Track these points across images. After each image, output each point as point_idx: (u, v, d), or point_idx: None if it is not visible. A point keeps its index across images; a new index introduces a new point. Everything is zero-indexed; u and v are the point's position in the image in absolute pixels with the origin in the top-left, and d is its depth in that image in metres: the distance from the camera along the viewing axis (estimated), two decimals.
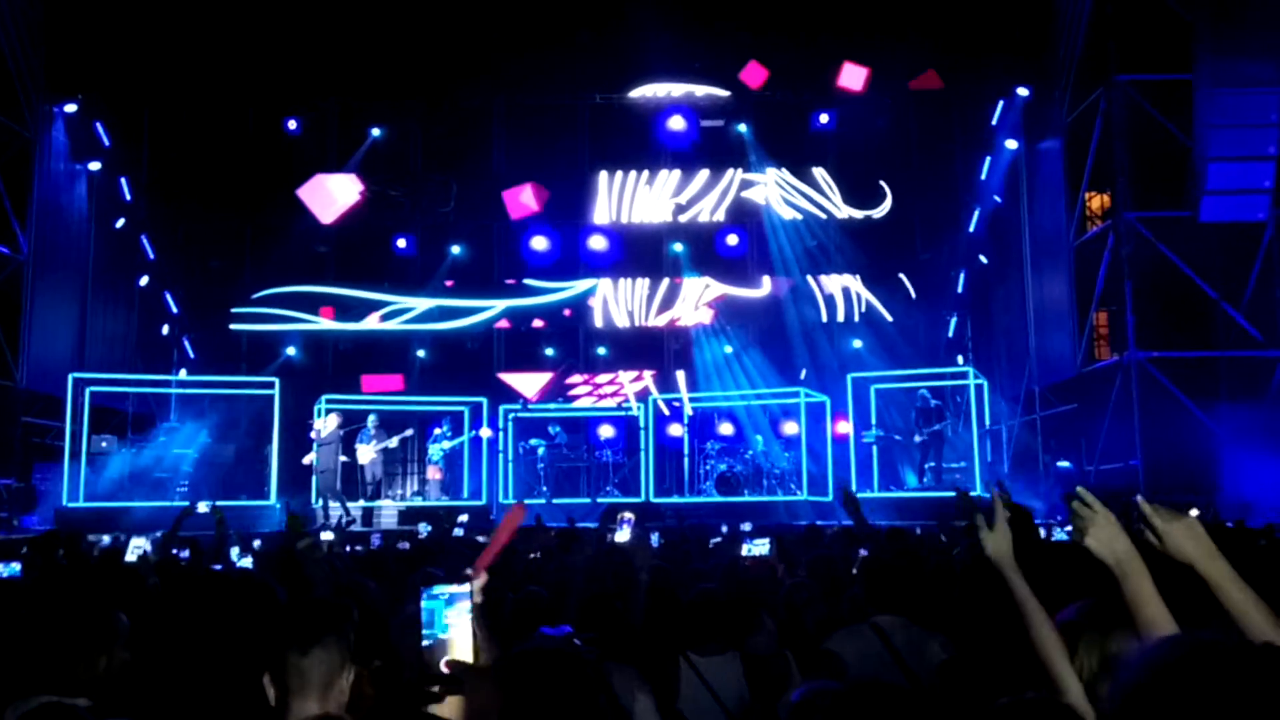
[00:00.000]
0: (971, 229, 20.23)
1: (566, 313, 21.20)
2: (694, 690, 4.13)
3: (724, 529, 12.17)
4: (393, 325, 20.76)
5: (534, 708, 2.58)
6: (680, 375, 20.24)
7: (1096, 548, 2.49)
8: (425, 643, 2.20)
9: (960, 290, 20.62)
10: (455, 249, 21.20)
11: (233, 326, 20.37)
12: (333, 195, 20.01)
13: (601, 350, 21.10)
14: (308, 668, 2.78)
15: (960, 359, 20.05)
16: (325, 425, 17.07)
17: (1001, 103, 19.49)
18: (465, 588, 2.24)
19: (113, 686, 3.23)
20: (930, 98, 20.45)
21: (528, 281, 21.16)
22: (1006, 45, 18.93)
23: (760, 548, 6.18)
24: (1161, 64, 15.85)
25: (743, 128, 21.07)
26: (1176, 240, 15.32)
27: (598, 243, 21.03)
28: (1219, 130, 14.91)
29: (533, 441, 19.12)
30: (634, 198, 21.36)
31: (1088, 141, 16.64)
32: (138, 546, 7.16)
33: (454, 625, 2.20)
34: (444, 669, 2.18)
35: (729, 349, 20.81)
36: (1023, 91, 18.97)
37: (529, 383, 20.64)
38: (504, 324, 21.20)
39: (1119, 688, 1.67)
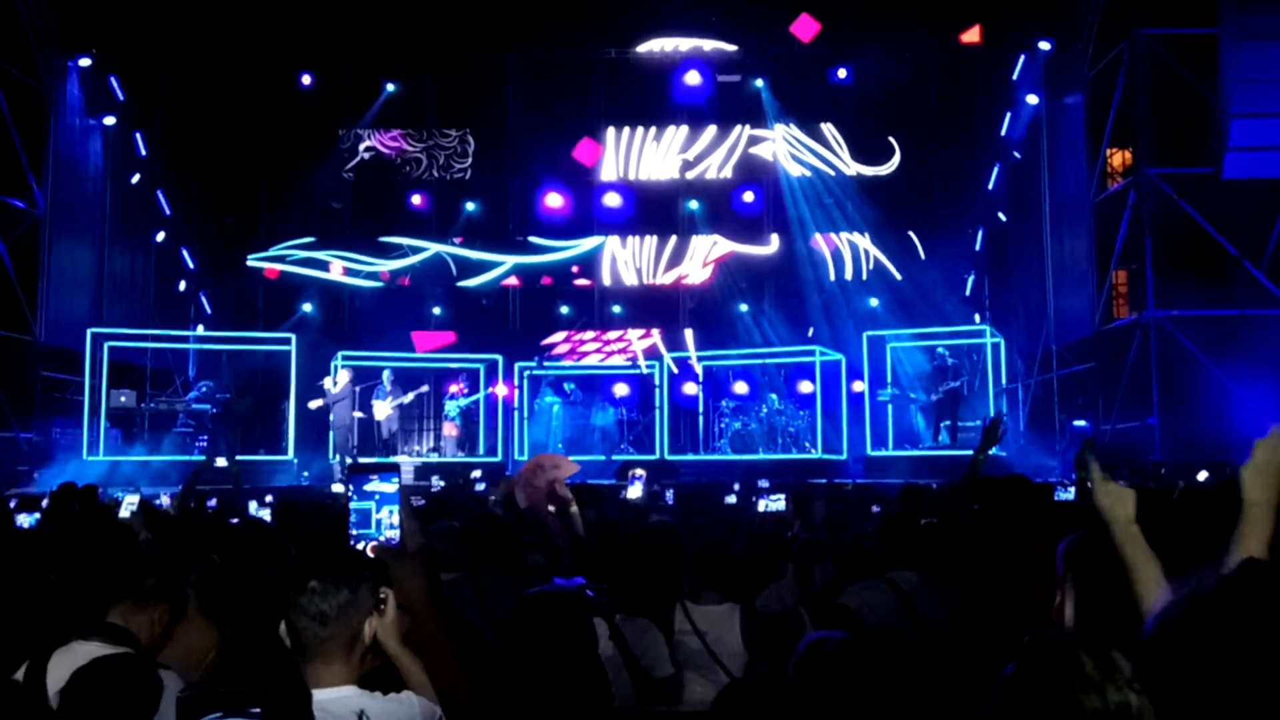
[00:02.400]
0: (991, 186, 20.04)
1: (575, 270, 21.16)
2: (689, 639, 4.14)
3: (736, 487, 12.19)
4: (406, 262, 20.75)
5: (530, 649, 2.59)
6: (688, 333, 20.20)
7: (1107, 505, 2.56)
8: (359, 544, 2.23)
9: (978, 248, 20.47)
10: (470, 205, 21.15)
11: (250, 262, 20.47)
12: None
13: (617, 309, 21.07)
14: (327, 614, 2.60)
15: (977, 317, 19.94)
16: (336, 382, 17.14)
17: (1023, 57, 19.17)
18: (394, 486, 2.26)
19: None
20: (950, 51, 20.20)
21: (534, 239, 21.11)
22: None
23: (776, 504, 6.18)
24: (1186, 18, 15.56)
25: (759, 83, 20.87)
26: (1198, 197, 15.11)
27: (613, 200, 20.96)
28: (1243, 85, 14.64)
29: (548, 399, 19.19)
30: (641, 154, 21.23)
31: (1110, 97, 16.38)
32: (130, 504, 7.22)
33: (385, 524, 2.23)
34: (370, 554, 2.20)
35: (744, 307, 20.75)
36: (1044, 46, 18.65)
37: (556, 340, 20.72)
38: (515, 282, 21.17)
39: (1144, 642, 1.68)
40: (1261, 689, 1.49)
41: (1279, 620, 1.52)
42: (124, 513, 7.89)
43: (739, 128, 21.15)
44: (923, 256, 20.35)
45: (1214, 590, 1.59)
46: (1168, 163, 15.52)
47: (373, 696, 2.64)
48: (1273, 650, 1.50)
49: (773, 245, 20.99)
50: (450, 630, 2.25)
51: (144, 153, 19.61)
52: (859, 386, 18.31)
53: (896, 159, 20.63)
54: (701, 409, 19.47)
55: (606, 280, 21.17)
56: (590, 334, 20.79)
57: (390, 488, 2.26)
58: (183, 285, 20.49)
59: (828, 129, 20.87)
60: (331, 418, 17.07)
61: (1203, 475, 10.36)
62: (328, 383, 17.21)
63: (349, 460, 16.52)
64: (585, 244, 21.12)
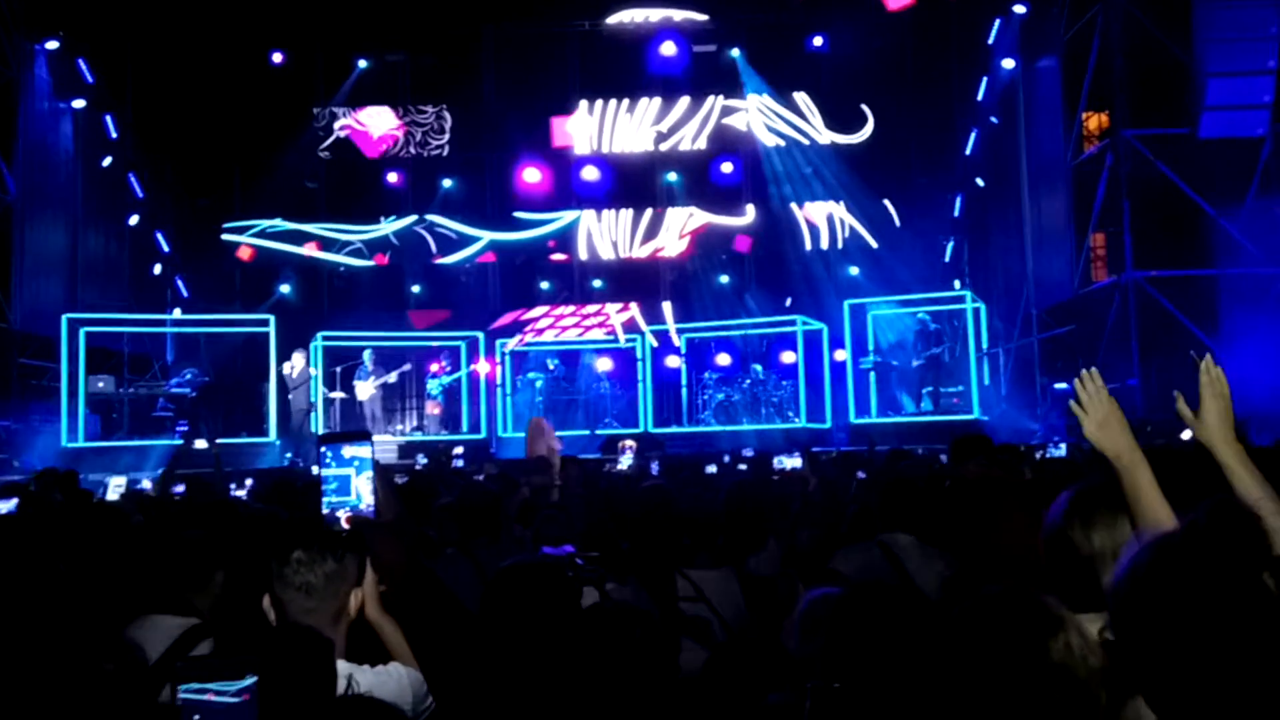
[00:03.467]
0: (968, 151, 20.03)
1: (551, 244, 21.05)
2: (691, 605, 4.13)
3: (725, 459, 12.22)
4: (382, 230, 20.59)
5: (510, 617, 2.57)
6: (666, 306, 20.12)
7: (1098, 438, 2.48)
8: (339, 512, 2.19)
9: (957, 214, 20.48)
10: (447, 182, 21.00)
11: (224, 237, 20.27)
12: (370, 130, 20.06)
13: (597, 283, 20.99)
14: (313, 585, 2.57)
15: (957, 283, 19.96)
16: (293, 367, 17.05)
17: (999, 21, 19.16)
18: (369, 451, 2.23)
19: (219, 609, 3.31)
20: (926, 17, 20.12)
21: (515, 214, 20.99)
22: None
23: (793, 461, 6.30)
24: None
25: (735, 52, 20.76)
26: (1175, 158, 15.15)
27: (591, 174, 20.84)
28: (1218, 44, 14.67)
29: (530, 375, 19.15)
30: (614, 127, 21.09)
31: (1085, 59, 16.39)
32: (118, 486, 7.18)
33: (364, 491, 2.20)
34: (345, 525, 2.16)
35: (725, 279, 20.71)
36: (1020, 9, 18.61)
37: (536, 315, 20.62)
38: (490, 258, 21.05)
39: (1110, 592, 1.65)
40: (1234, 631, 1.47)
41: (1248, 561, 1.50)
42: (111, 495, 7.86)
43: (712, 98, 21.02)
44: (898, 224, 20.35)
45: (1182, 533, 1.56)
46: (1144, 124, 15.55)
47: (361, 669, 2.61)
48: (1244, 591, 1.48)
49: (749, 216, 20.92)
50: (428, 599, 2.23)
51: (114, 135, 19.36)
52: (841, 355, 18.33)
53: (870, 126, 20.57)
54: (685, 381, 19.46)
55: (583, 255, 21.07)
56: (569, 309, 20.66)
57: (367, 452, 2.22)
58: (158, 268, 20.29)
59: (800, 98, 20.77)
60: (290, 398, 17.01)
61: (1187, 434, 10.41)
62: (286, 368, 17.12)
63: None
64: (561, 218, 20.98)
